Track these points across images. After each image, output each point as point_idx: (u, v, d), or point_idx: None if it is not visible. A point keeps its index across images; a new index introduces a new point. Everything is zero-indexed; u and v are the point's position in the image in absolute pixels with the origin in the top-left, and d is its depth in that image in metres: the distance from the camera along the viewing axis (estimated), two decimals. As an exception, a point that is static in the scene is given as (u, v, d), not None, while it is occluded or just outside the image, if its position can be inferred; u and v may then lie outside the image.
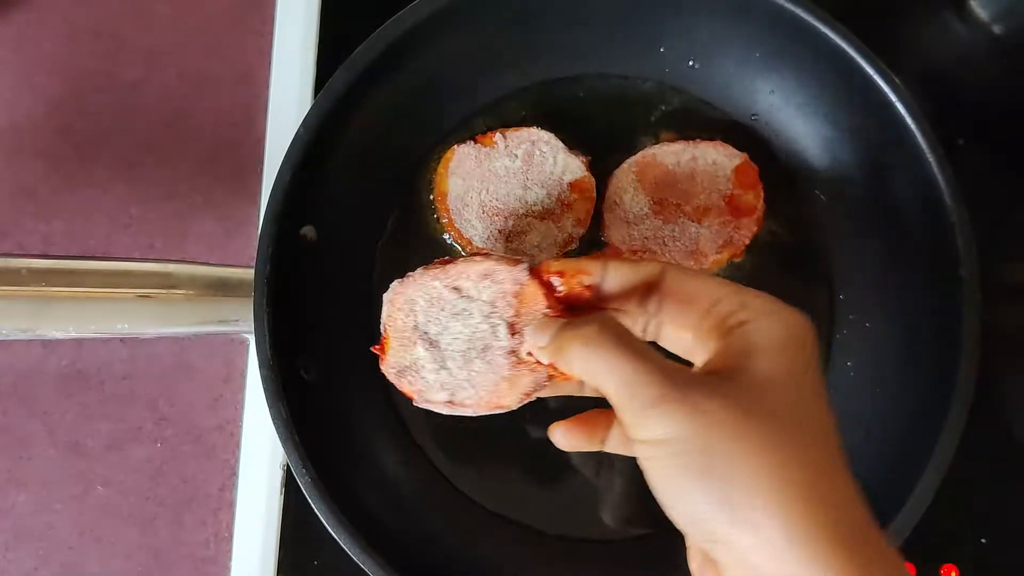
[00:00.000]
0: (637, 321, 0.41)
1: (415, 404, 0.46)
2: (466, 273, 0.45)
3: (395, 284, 0.46)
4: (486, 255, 0.45)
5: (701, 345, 0.37)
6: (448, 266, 0.45)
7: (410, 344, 0.46)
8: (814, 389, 0.33)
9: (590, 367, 0.35)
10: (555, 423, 0.43)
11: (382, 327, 0.46)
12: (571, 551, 0.51)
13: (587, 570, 0.51)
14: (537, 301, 0.43)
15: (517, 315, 0.44)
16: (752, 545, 0.30)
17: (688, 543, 0.35)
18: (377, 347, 0.46)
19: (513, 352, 0.44)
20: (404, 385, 0.46)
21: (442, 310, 0.45)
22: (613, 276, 0.39)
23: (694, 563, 0.35)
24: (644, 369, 0.32)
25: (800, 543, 0.29)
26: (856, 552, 0.29)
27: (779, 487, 0.30)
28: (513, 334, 0.44)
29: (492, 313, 0.44)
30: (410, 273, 0.46)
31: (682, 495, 0.31)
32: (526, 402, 0.44)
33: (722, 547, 0.31)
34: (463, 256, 0.47)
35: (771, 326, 0.34)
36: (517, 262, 0.44)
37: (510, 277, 0.43)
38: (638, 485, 0.51)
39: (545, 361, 0.40)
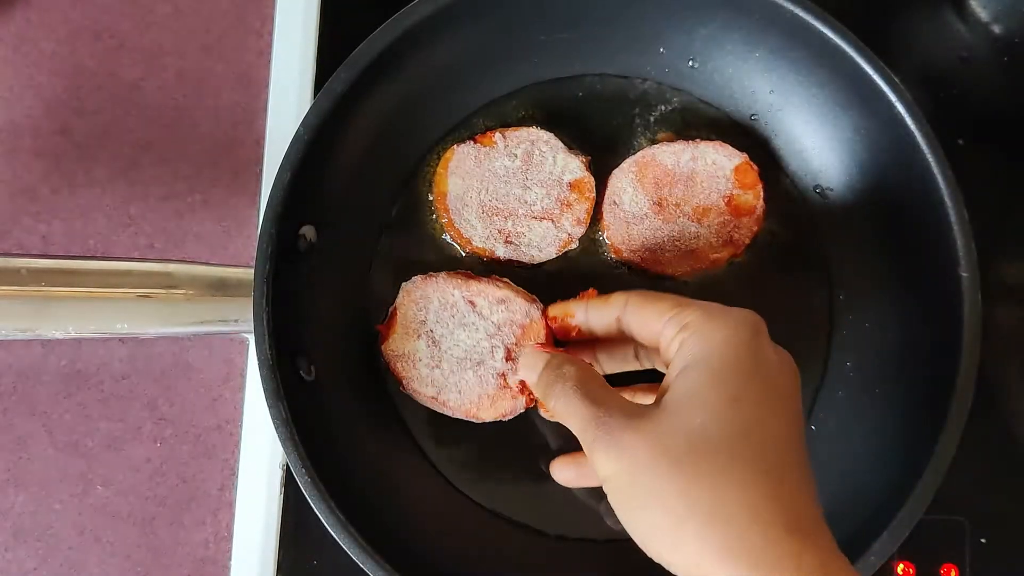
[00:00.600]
0: (628, 351, 0.47)
1: (402, 389, 0.51)
2: (485, 293, 0.50)
3: (417, 278, 0.51)
4: (507, 284, 0.51)
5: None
6: (472, 281, 0.51)
7: (414, 335, 0.50)
8: (729, 400, 0.34)
9: (559, 410, 0.39)
10: (552, 461, 0.49)
11: (391, 310, 0.50)
12: (571, 551, 0.51)
13: (587, 570, 0.51)
14: (539, 335, 0.49)
15: (517, 344, 0.50)
16: (689, 565, 0.32)
17: None
18: (382, 326, 0.49)
19: (503, 375, 0.50)
20: (398, 369, 0.51)
21: (452, 317, 0.50)
22: (592, 314, 0.45)
23: None
24: (591, 414, 0.36)
25: (721, 562, 0.31)
26: (772, 562, 0.31)
27: (689, 513, 0.32)
28: (508, 359, 0.50)
29: (496, 335, 0.50)
30: (433, 274, 0.51)
31: (628, 524, 0.35)
32: (498, 419, 0.50)
33: (670, 567, 0.34)
34: (487, 277, 0.51)
35: (693, 343, 0.37)
36: (533, 300, 0.50)
37: (523, 310, 0.50)
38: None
39: (536, 394, 0.44)
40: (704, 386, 0.35)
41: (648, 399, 0.43)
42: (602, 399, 0.37)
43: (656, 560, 0.34)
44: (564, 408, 0.39)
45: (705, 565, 0.32)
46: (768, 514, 0.32)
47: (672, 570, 0.33)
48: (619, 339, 0.45)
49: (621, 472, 0.34)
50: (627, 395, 0.47)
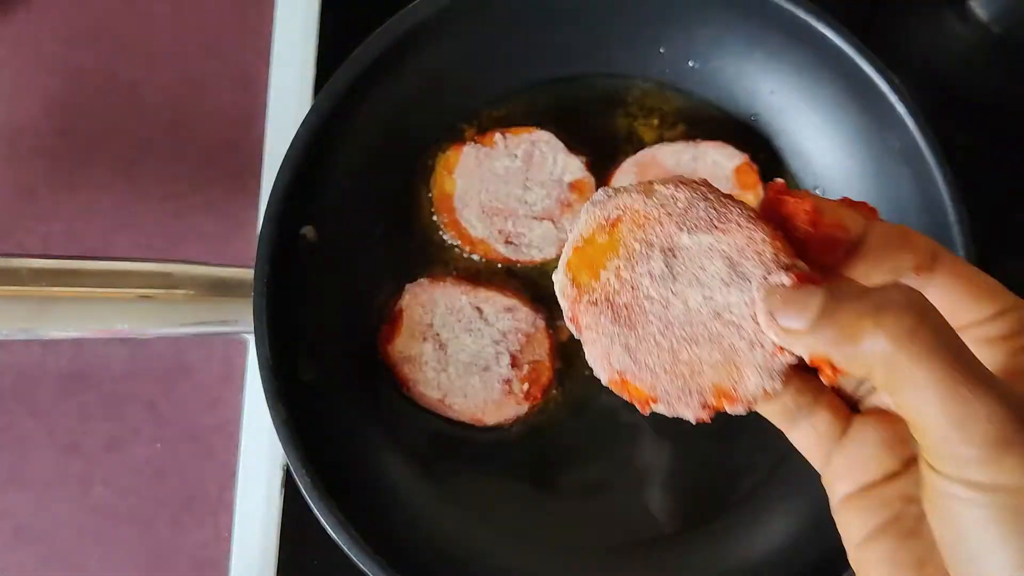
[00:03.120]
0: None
1: (405, 391, 0.51)
2: (493, 300, 0.51)
3: (424, 281, 0.51)
4: (515, 293, 0.51)
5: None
6: (480, 287, 0.51)
7: (420, 338, 0.50)
8: None
9: (899, 378, 0.24)
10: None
11: (396, 310, 0.50)
12: (570, 553, 0.51)
13: (583, 573, 0.51)
14: (542, 344, 0.46)
15: (521, 351, 0.50)
16: None
17: None
18: (387, 325, 0.49)
19: (508, 382, 0.50)
20: (403, 371, 0.50)
21: (458, 321, 0.50)
22: (878, 239, 0.28)
23: None
24: (983, 397, 0.24)
25: None
26: None
27: None
28: (512, 366, 0.50)
29: (501, 341, 0.50)
30: (440, 277, 0.51)
31: (995, 550, 0.24)
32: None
33: None
34: (495, 284, 0.52)
35: None
36: (539, 310, 0.51)
37: (528, 319, 0.50)
38: (636, 495, 0.51)
39: (799, 351, 0.27)
40: None
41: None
42: (979, 368, 0.24)
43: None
44: (912, 376, 0.24)
45: None
46: None
47: None
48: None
49: (991, 461, 0.23)
50: None
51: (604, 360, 0.31)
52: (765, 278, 0.27)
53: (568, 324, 0.32)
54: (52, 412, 0.55)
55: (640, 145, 0.54)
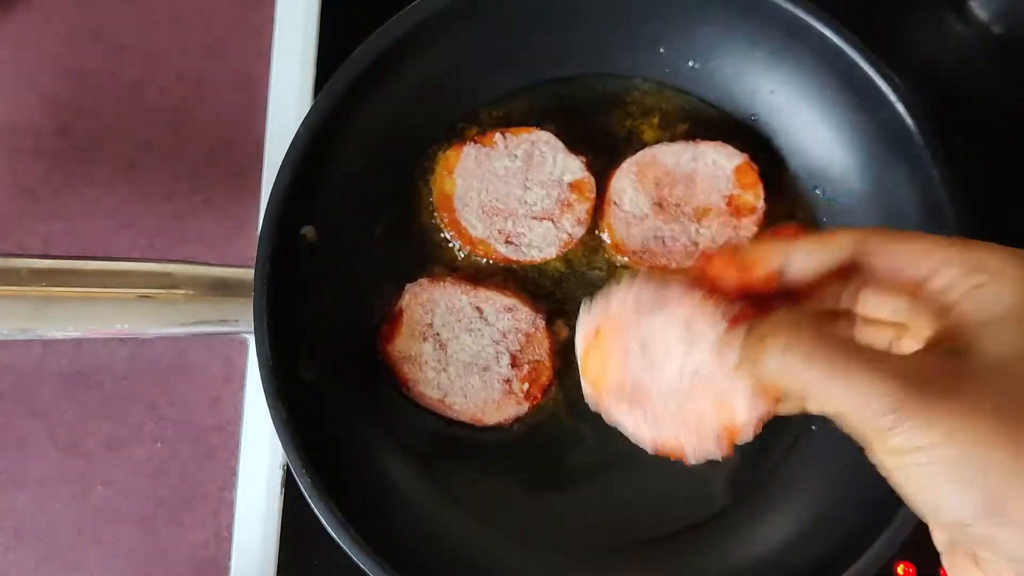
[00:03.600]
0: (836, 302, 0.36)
1: (405, 391, 0.51)
2: (493, 300, 0.51)
3: (424, 280, 0.51)
4: (515, 293, 0.51)
5: (915, 319, 0.33)
6: (480, 287, 0.51)
7: (420, 338, 0.51)
8: None
9: (799, 379, 0.30)
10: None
11: (395, 310, 0.51)
12: (570, 553, 0.51)
13: (583, 574, 0.51)
14: (542, 344, 0.48)
15: (521, 351, 0.50)
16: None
17: (937, 540, 0.33)
18: (387, 325, 0.49)
19: (508, 381, 0.50)
20: (403, 371, 0.51)
21: (459, 321, 0.51)
22: (800, 258, 0.34)
23: (948, 558, 0.33)
24: (868, 374, 0.29)
25: None
26: None
27: None
28: (513, 365, 0.50)
29: (501, 341, 0.50)
30: (440, 277, 0.51)
31: (941, 502, 0.28)
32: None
33: (989, 547, 0.29)
34: (495, 284, 0.52)
35: (997, 289, 0.30)
36: (539, 310, 0.51)
37: (528, 319, 0.51)
38: (637, 495, 0.51)
39: (747, 384, 0.34)
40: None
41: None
42: (878, 355, 0.29)
43: (966, 540, 0.29)
44: (805, 374, 0.30)
45: None
46: None
47: (993, 551, 0.29)
48: (812, 291, 0.35)
49: (940, 445, 0.27)
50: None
51: (639, 436, 0.38)
52: (712, 332, 0.34)
53: (604, 416, 0.39)
54: (52, 412, 0.55)
55: (640, 145, 0.54)
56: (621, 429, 0.39)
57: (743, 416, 0.35)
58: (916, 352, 0.32)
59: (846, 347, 0.30)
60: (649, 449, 0.38)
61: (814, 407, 0.31)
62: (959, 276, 0.31)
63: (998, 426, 0.27)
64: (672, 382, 0.37)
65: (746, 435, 0.35)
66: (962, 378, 0.29)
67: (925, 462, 0.28)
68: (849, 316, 0.36)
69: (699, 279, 0.36)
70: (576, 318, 0.52)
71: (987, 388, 0.28)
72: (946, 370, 0.29)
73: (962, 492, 0.28)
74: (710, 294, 0.35)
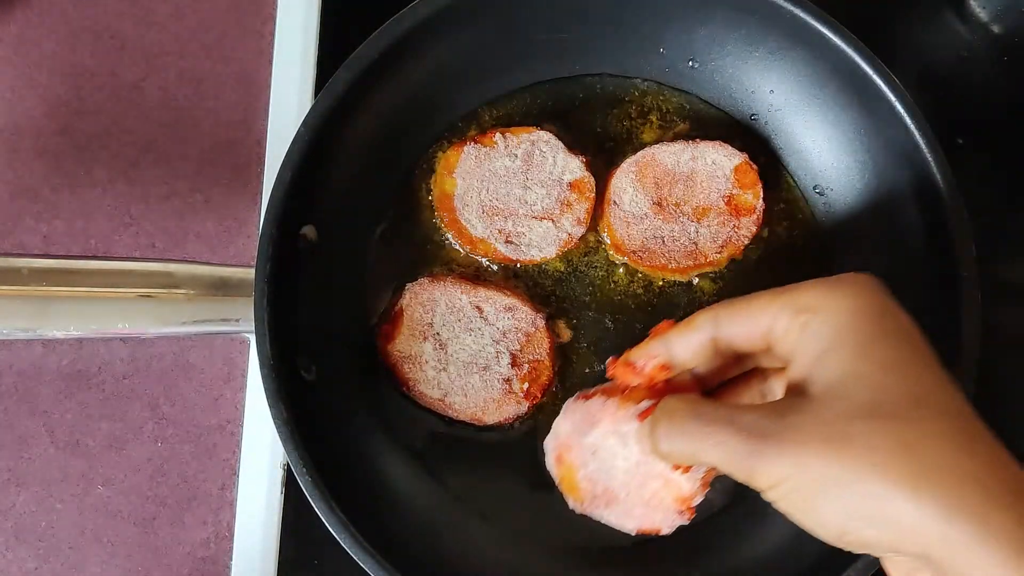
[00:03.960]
0: (751, 387, 0.42)
1: (405, 390, 0.51)
2: (493, 300, 0.51)
3: (424, 280, 0.51)
4: (515, 292, 0.51)
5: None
6: (480, 287, 0.51)
7: (420, 337, 0.51)
8: (884, 369, 0.32)
9: (685, 453, 0.36)
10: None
11: (395, 309, 0.51)
12: (570, 553, 0.51)
13: (583, 574, 0.51)
14: (542, 344, 0.50)
15: (521, 351, 0.51)
16: (912, 535, 0.30)
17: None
18: (387, 325, 0.49)
19: (508, 381, 0.50)
20: (403, 371, 0.51)
21: (459, 321, 0.51)
22: (678, 345, 0.40)
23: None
24: (732, 433, 0.34)
25: (947, 521, 0.30)
26: (976, 512, 0.29)
27: (895, 486, 0.30)
28: (513, 365, 0.50)
29: (501, 340, 0.50)
30: (440, 276, 0.51)
31: (816, 521, 0.33)
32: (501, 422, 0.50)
33: (880, 549, 0.32)
34: (494, 284, 0.52)
35: (820, 323, 0.34)
36: (539, 311, 0.51)
37: (528, 319, 0.51)
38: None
39: (667, 464, 0.40)
40: (853, 362, 0.33)
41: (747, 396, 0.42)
42: (730, 415, 0.35)
43: (862, 549, 0.32)
44: (691, 445, 0.35)
45: (929, 529, 0.30)
46: (978, 471, 0.30)
47: (884, 549, 0.32)
48: (716, 373, 0.41)
49: (794, 475, 0.32)
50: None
51: (622, 526, 0.45)
52: (632, 428, 0.41)
53: (592, 517, 0.45)
54: (53, 411, 0.55)
55: (640, 145, 0.54)
56: (608, 524, 0.45)
57: (688, 486, 0.41)
58: (772, 402, 0.36)
59: (712, 416, 0.35)
60: (633, 533, 0.44)
61: (715, 469, 0.37)
62: (789, 321, 0.35)
63: (825, 448, 0.31)
64: (625, 477, 0.44)
65: (699, 498, 0.42)
66: (800, 412, 0.33)
67: (789, 491, 0.32)
68: (763, 374, 0.42)
69: (614, 389, 0.43)
70: (576, 318, 0.53)
71: (817, 417, 0.32)
72: (791, 409, 0.33)
73: (826, 508, 0.32)
74: (624, 399, 0.43)
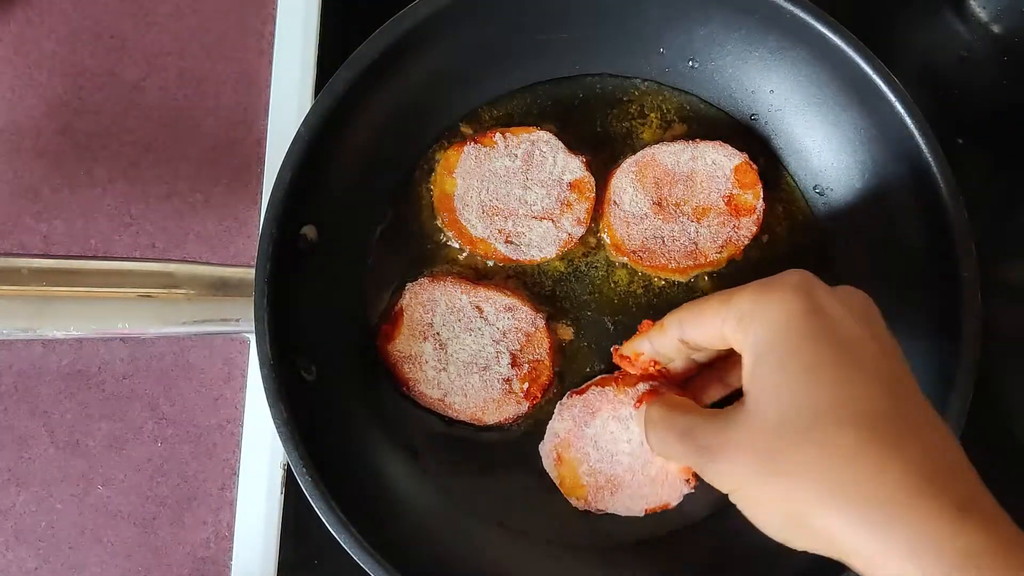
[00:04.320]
0: (717, 380, 0.46)
1: (405, 390, 0.51)
2: (493, 300, 0.51)
3: (424, 280, 0.51)
4: (515, 292, 0.52)
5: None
6: (480, 287, 0.51)
7: (420, 337, 0.51)
8: (803, 375, 0.33)
9: (667, 456, 0.41)
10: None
11: (396, 309, 0.51)
12: (570, 553, 0.51)
13: (583, 574, 0.51)
14: (542, 344, 0.50)
15: (521, 351, 0.51)
16: (843, 548, 0.32)
17: None
18: (387, 325, 0.49)
19: (508, 381, 0.50)
20: (403, 371, 0.51)
21: (459, 321, 0.51)
22: (657, 344, 0.44)
23: None
24: (687, 447, 0.37)
25: (870, 533, 0.30)
26: (887, 519, 0.30)
27: (818, 503, 0.32)
28: (513, 365, 0.50)
29: (501, 340, 0.51)
30: (440, 276, 0.51)
31: (764, 528, 0.35)
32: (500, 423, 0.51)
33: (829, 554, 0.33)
34: (494, 284, 0.52)
35: (754, 330, 0.35)
36: (539, 310, 0.52)
37: (528, 319, 0.51)
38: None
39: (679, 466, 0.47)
40: (775, 370, 0.33)
41: (718, 390, 0.46)
42: (689, 427, 0.38)
43: (812, 551, 0.33)
44: (667, 452, 0.40)
45: (848, 541, 0.31)
46: (904, 479, 0.30)
47: (825, 554, 0.33)
48: (702, 365, 0.45)
49: (736, 488, 0.34)
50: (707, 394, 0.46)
51: (630, 511, 0.49)
52: (630, 411, 0.47)
53: (597, 512, 0.50)
54: (53, 411, 0.55)
55: (640, 145, 0.54)
56: (615, 513, 0.49)
57: None
58: (720, 412, 0.37)
59: (679, 428, 0.39)
60: (641, 515, 0.48)
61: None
62: (735, 326, 0.36)
63: (755, 465, 0.33)
64: (630, 459, 0.48)
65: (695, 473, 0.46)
66: (736, 426, 0.35)
67: (738, 499, 0.35)
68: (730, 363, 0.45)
69: (607, 380, 0.49)
70: (576, 318, 0.53)
71: (749, 432, 0.34)
72: (729, 423, 0.35)
73: (766, 518, 0.34)
74: (620, 385, 0.48)
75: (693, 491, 0.48)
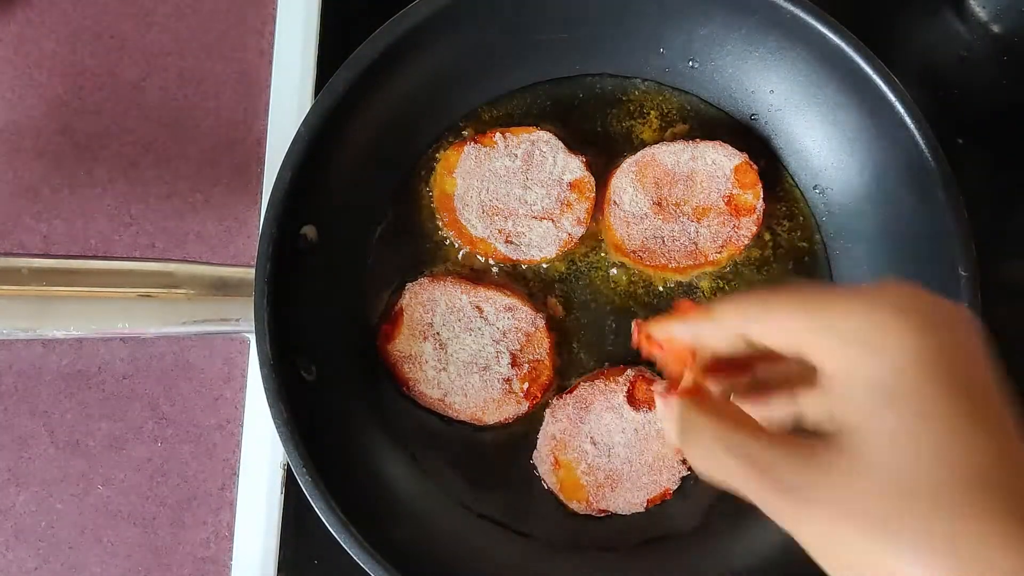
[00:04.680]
0: (784, 389, 0.37)
1: (405, 390, 0.51)
2: (493, 300, 0.51)
3: (424, 280, 0.51)
4: (515, 292, 0.52)
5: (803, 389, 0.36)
6: (480, 287, 0.51)
7: (420, 337, 0.51)
8: (936, 444, 0.27)
9: (711, 474, 0.33)
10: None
11: (396, 309, 0.51)
12: (570, 553, 0.51)
13: (583, 574, 0.51)
14: (542, 344, 0.50)
15: (521, 351, 0.51)
16: None
17: None
18: (388, 325, 0.50)
19: (508, 380, 0.50)
20: (403, 371, 0.51)
21: (459, 321, 0.51)
22: (706, 335, 0.36)
23: None
24: (746, 471, 0.31)
25: None
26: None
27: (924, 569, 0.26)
28: (513, 365, 0.50)
29: (501, 340, 0.51)
30: (440, 276, 0.51)
31: (822, 566, 0.29)
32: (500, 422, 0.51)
33: None
34: (494, 284, 0.52)
35: (874, 371, 0.29)
36: (539, 311, 0.51)
37: (528, 319, 0.51)
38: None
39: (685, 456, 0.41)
40: (909, 422, 0.28)
41: (782, 408, 0.37)
42: (768, 459, 0.30)
43: None
44: (719, 473, 0.32)
45: None
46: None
47: None
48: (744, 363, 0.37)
49: (827, 547, 0.28)
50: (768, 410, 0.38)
51: (632, 506, 0.50)
52: (623, 398, 0.49)
53: (598, 512, 0.50)
54: (53, 411, 0.55)
55: (640, 145, 0.54)
56: (617, 510, 0.49)
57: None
58: (801, 446, 0.31)
59: (738, 449, 0.31)
60: (643, 509, 0.49)
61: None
62: (835, 349, 0.30)
63: (854, 524, 0.27)
64: (626, 450, 0.48)
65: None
66: (831, 472, 0.29)
67: (806, 540, 0.29)
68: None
69: (594, 375, 0.50)
70: (576, 318, 0.53)
71: (851, 485, 0.28)
72: (820, 465, 0.29)
73: (838, 566, 0.28)
74: (608, 375, 0.49)
75: (689, 472, 0.48)
